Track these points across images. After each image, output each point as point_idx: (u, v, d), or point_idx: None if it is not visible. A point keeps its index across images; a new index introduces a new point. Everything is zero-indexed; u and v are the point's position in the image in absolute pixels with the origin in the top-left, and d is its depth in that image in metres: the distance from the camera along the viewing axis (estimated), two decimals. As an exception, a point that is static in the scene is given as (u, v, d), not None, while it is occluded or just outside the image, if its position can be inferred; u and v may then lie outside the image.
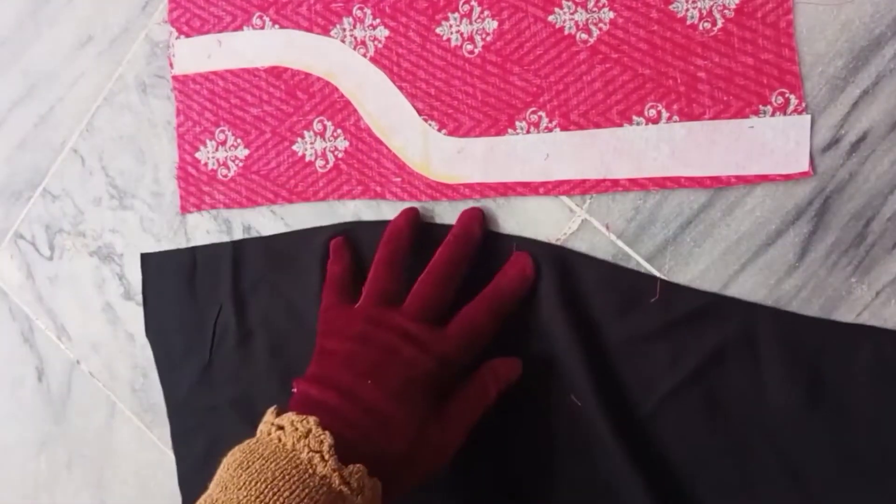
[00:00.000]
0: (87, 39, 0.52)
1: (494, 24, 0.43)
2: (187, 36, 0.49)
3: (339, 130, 0.46)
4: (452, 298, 0.40)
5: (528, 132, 0.43)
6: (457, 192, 0.44)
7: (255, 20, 0.48)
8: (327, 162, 0.46)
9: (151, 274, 0.51)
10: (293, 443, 0.32)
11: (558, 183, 0.42)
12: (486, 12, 0.43)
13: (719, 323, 0.40)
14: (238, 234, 0.49)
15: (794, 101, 0.39)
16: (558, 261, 0.42)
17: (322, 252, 0.46)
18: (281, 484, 0.30)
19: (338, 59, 0.46)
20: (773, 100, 0.39)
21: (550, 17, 0.42)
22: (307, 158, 0.47)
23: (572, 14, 0.42)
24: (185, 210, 0.49)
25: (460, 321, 0.39)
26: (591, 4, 0.42)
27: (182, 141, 0.49)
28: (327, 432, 0.32)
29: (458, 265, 0.40)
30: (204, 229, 0.49)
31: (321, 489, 0.31)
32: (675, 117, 0.41)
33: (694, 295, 0.40)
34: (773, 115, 0.39)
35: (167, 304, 0.50)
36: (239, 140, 0.48)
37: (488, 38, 0.43)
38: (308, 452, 0.31)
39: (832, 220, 0.39)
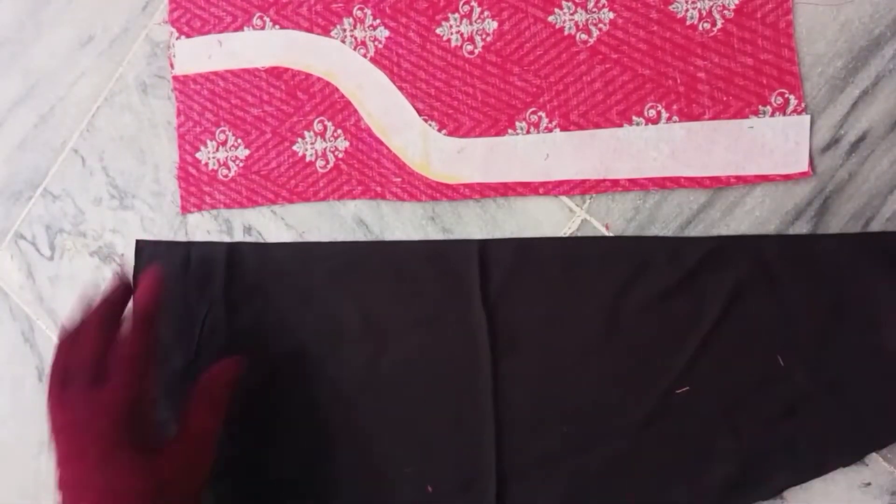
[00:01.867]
0: (88, 39, 0.52)
1: (494, 24, 0.43)
2: (188, 36, 0.49)
3: (339, 131, 0.46)
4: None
5: (528, 132, 0.43)
6: (457, 193, 0.44)
7: (256, 20, 0.48)
8: (328, 162, 0.46)
9: (144, 262, 0.51)
10: None
11: (558, 183, 0.42)
12: (486, 13, 0.43)
13: (731, 262, 0.40)
14: (238, 235, 0.49)
15: (793, 101, 0.39)
16: (558, 251, 0.42)
17: (320, 268, 0.46)
18: None
19: (338, 59, 0.46)
20: (772, 100, 0.39)
21: (550, 18, 0.42)
22: (307, 159, 0.47)
23: (572, 14, 0.42)
24: (185, 210, 0.49)
25: (184, 434, 0.41)
26: (590, 5, 0.42)
27: (182, 141, 0.49)
28: None
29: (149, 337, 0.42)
30: (204, 229, 0.49)
31: None
32: (675, 117, 0.41)
33: (699, 243, 0.40)
34: (772, 115, 0.39)
35: None
36: (239, 140, 0.48)
37: (488, 39, 0.43)
38: None
39: (832, 220, 0.39)
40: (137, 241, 0.51)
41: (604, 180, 0.42)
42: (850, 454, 0.39)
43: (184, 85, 0.49)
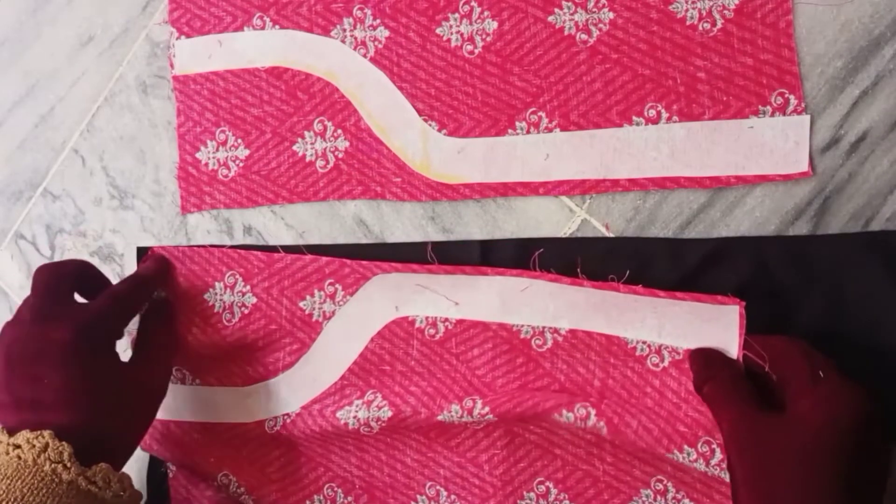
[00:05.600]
0: (88, 39, 0.52)
1: (494, 24, 0.43)
2: (188, 36, 0.49)
3: (339, 131, 0.46)
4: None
5: (528, 132, 0.43)
6: (457, 193, 0.44)
7: (256, 20, 0.48)
8: (327, 162, 0.46)
9: None
10: (34, 458, 0.35)
11: (558, 183, 0.42)
12: (486, 13, 0.43)
13: (731, 263, 0.40)
14: (238, 234, 0.49)
15: (793, 101, 0.39)
16: (560, 250, 0.42)
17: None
18: (31, 498, 0.34)
19: (338, 59, 0.46)
20: (772, 100, 0.39)
21: (550, 18, 0.42)
22: (307, 158, 0.47)
23: (572, 14, 0.42)
24: (185, 210, 0.49)
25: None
26: (590, 5, 0.42)
27: (182, 141, 0.49)
28: (64, 443, 0.35)
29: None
30: (204, 229, 0.49)
31: (70, 493, 0.35)
32: (675, 117, 0.41)
33: (699, 243, 0.40)
34: (772, 115, 0.39)
35: None
36: (239, 140, 0.48)
37: (488, 39, 0.43)
38: (50, 464, 0.35)
39: (832, 220, 0.39)
40: (139, 249, 0.50)
41: (604, 180, 0.42)
42: None
43: (184, 85, 0.49)
